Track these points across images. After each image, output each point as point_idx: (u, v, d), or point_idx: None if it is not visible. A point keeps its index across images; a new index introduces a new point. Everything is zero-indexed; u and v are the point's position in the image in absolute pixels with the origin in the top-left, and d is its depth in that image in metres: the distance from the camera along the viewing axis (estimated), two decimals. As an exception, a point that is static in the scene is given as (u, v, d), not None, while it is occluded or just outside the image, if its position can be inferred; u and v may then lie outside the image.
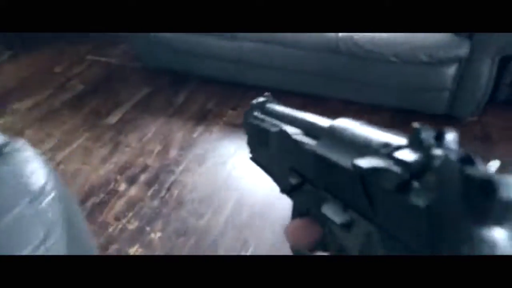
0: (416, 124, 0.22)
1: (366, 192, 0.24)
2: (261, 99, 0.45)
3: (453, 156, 0.21)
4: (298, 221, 0.32)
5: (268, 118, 0.41)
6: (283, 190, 0.37)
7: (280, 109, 0.41)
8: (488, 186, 0.19)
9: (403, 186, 0.21)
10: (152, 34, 2.71)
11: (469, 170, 0.20)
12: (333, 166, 0.27)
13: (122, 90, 2.92)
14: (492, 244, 0.19)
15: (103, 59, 3.37)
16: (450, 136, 0.21)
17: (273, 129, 0.38)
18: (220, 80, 2.79)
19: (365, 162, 0.23)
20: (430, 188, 0.20)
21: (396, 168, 0.21)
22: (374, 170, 0.22)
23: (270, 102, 0.45)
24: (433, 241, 0.20)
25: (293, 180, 0.34)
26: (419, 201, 0.20)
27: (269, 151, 0.39)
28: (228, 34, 2.47)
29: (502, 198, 0.19)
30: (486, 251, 0.19)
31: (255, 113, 0.43)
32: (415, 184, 0.21)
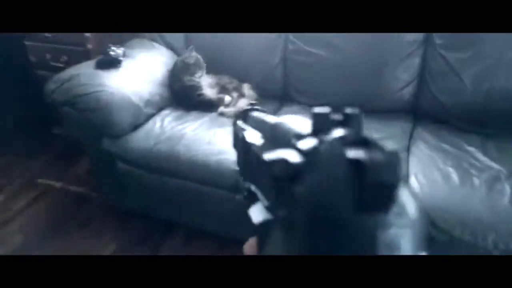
0: (316, 111, 0.21)
1: (274, 185, 0.23)
2: (246, 107, 0.42)
3: (339, 141, 0.20)
4: (251, 239, 0.31)
5: (249, 128, 0.37)
6: (243, 197, 0.34)
7: (259, 117, 0.38)
8: (358, 167, 0.18)
9: (296, 175, 0.20)
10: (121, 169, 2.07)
11: (350, 153, 0.19)
12: (261, 163, 0.25)
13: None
14: (372, 230, 0.19)
15: (57, 184, 2.59)
16: (353, 116, 0.21)
17: (240, 135, 0.35)
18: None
19: (268, 155, 0.22)
20: (313, 174, 0.20)
21: (291, 157, 0.20)
22: (271, 162, 0.21)
23: (255, 110, 0.41)
24: (315, 228, 0.20)
25: (247, 186, 0.31)
26: (300, 188, 0.20)
27: (240, 160, 0.37)
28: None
29: (372, 180, 0.18)
30: (366, 237, 0.19)
31: (239, 123, 0.40)
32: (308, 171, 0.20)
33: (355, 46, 2.16)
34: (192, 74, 2.27)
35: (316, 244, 0.20)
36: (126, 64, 2.19)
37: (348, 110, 0.21)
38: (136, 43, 2.47)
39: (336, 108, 0.22)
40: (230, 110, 2.24)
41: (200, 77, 2.29)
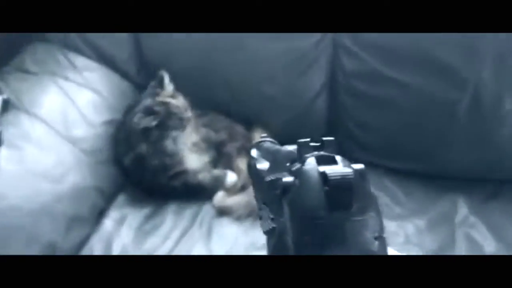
0: (300, 141, 0.29)
1: (276, 199, 0.29)
2: (259, 139, 0.44)
3: (315, 161, 0.27)
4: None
5: (261, 158, 0.41)
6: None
7: (269, 146, 0.42)
8: (323, 178, 0.25)
9: (286, 189, 0.27)
10: None
11: (320, 168, 0.26)
12: (265, 183, 0.32)
13: None
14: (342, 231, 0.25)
15: None
16: (328, 142, 0.29)
17: (252, 164, 0.40)
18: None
19: (270, 176, 0.31)
20: (298, 187, 0.26)
21: (285, 177, 0.27)
22: (271, 181, 0.30)
23: (267, 142, 0.43)
24: (300, 234, 0.25)
25: (259, 207, 0.35)
26: (285, 199, 0.27)
27: (254, 187, 0.40)
28: None
29: (332, 186, 0.25)
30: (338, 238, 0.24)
31: (252, 153, 0.42)
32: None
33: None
34: (165, 137, 1.13)
35: (302, 238, 0.25)
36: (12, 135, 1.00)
37: (325, 138, 0.29)
38: (35, 60, 1.22)
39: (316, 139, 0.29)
40: (236, 202, 1.14)
41: (180, 138, 1.16)
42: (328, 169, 0.25)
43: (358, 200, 0.25)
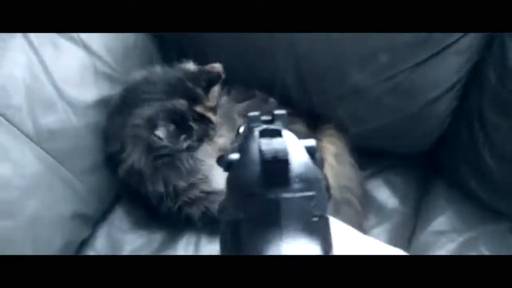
0: (249, 114, 0.26)
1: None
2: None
3: (260, 134, 0.24)
4: None
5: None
6: None
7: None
8: (260, 153, 0.23)
9: (230, 165, 0.25)
10: None
11: (262, 142, 0.23)
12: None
13: None
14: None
15: None
16: (279, 115, 0.27)
17: None
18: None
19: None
20: (241, 163, 0.24)
21: (231, 155, 0.25)
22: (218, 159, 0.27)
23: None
24: (235, 210, 0.24)
25: None
26: (231, 174, 0.25)
27: None
28: None
29: (265, 160, 0.22)
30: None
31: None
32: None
33: None
34: (193, 148, 0.74)
35: (237, 214, 0.23)
36: None
37: (276, 111, 0.27)
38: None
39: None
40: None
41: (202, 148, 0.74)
42: (265, 143, 0.23)
43: (300, 178, 0.23)
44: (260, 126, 0.26)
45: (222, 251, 0.26)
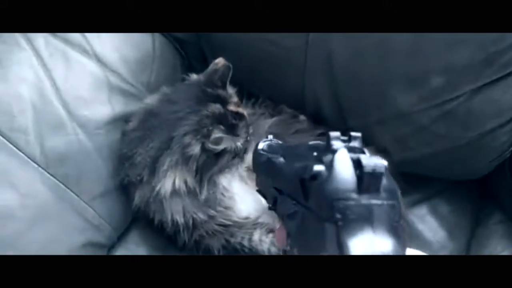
0: (331, 133, 0.29)
1: (303, 184, 0.31)
2: (266, 140, 0.49)
3: (347, 150, 0.28)
4: (279, 228, 0.39)
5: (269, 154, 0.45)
6: (269, 208, 0.44)
7: (278, 144, 0.48)
8: (357, 164, 0.27)
9: (318, 176, 0.28)
10: None
11: (362, 157, 0.27)
12: (286, 172, 0.37)
13: None
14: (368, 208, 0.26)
15: None
16: (355, 137, 0.30)
17: (263, 159, 0.45)
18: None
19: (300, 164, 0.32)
20: (326, 175, 0.27)
21: (313, 164, 0.28)
22: (303, 167, 0.30)
23: (273, 140, 0.49)
24: (331, 213, 0.26)
25: (273, 195, 0.41)
26: (315, 184, 0.28)
27: (264, 178, 0.47)
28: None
29: (366, 172, 0.26)
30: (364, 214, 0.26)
31: (260, 151, 0.47)
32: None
33: None
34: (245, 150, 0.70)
35: (333, 216, 0.27)
36: None
37: (352, 133, 0.30)
38: None
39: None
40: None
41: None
42: (364, 158, 0.26)
43: (386, 189, 0.27)
44: (340, 144, 0.29)
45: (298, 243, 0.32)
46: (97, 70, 0.68)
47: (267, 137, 0.50)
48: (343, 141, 0.30)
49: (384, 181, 0.27)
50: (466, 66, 0.59)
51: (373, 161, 0.26)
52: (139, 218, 0.72)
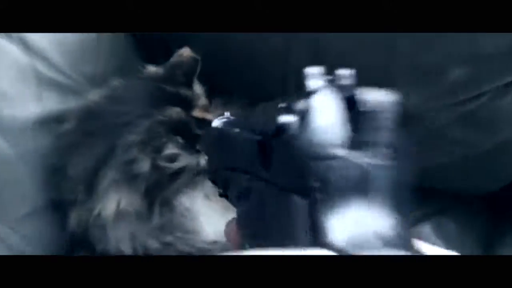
0: (307, 70, 0.22)
1: (262, 149, 0.23)
2: (223, 117, 0.34)
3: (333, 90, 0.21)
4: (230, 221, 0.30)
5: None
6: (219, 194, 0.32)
7: (237, 119, 0.34)
8: (349, 103, 0.20)
9: (283, 129, 0.21)
10: None
11: (347, 95, 0.20)
12: (240, 141, 0.26)
13: None
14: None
15: None
16: (344, 75, 0.22)
17: (214, 133, 0.33)
18: None
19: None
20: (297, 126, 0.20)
21: (277, 116, 0.22)
22: (263, 126, 0.23)
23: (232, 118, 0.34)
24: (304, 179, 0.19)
25: (225, 176, 0.29)
26: (287, 138, 0.21)
27: (215, 158, 0.33)
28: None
29: (361, 111, 0.20)
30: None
31: (215, 125, 0.34)
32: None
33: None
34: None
35: (308, 184, 0.20)
36: None
37: (339, 71, 0.22)
38: None
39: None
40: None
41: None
42: (356, 93, 0.20)
43: (386, 143, 0.19)
44: (319, 83, 0.21)
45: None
46: (22, 58, 0.53)
47: (223, 114, 0.38)
48: (327, 81, 0.21)
49: (388, 129, 0.20)
50: (491, 58, 0.47)
51: (372, 95, 0.20)
52: (76, 245, 0.58)
